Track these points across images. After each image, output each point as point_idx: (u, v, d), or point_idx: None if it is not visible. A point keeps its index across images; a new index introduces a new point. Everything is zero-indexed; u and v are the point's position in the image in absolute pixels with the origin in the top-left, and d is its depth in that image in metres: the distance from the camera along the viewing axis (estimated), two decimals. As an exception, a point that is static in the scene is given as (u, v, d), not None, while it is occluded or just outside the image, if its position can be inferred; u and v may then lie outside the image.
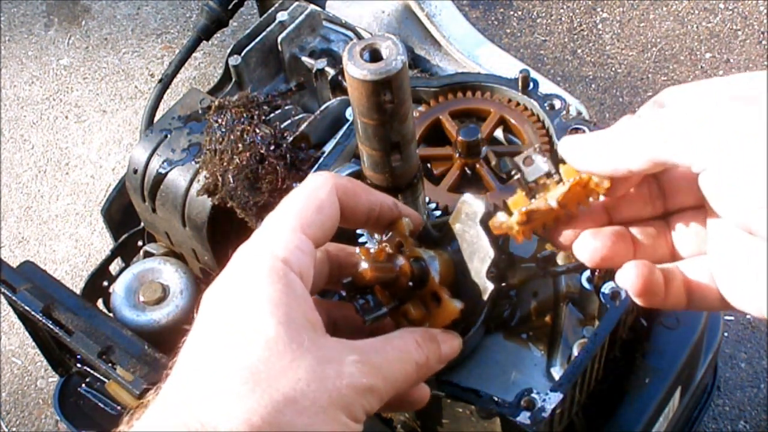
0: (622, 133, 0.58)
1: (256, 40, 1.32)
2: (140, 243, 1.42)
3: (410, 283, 0.68)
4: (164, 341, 1.20)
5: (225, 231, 1.22)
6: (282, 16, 1.32)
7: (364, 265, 0.65)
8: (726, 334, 2.13)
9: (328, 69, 1.29)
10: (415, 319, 0.68)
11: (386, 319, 0.70)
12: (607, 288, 0.93)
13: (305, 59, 1.32)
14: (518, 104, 1.10)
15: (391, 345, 0.63)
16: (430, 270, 0.68)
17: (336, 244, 0.70)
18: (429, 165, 1.08)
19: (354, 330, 0.71)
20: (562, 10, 2.83)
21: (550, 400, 0.83)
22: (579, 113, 1.19)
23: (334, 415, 0.56)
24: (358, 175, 1.01)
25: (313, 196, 0.65)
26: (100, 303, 1.41)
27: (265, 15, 1.35)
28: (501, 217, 0.64)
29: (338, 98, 1.24)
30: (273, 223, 0.64)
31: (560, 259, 0.91)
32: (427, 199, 0.98)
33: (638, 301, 0.61)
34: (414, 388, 0.70)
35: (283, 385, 0.55)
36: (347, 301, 0.68)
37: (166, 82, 1.37)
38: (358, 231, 1.03)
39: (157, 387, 0.60)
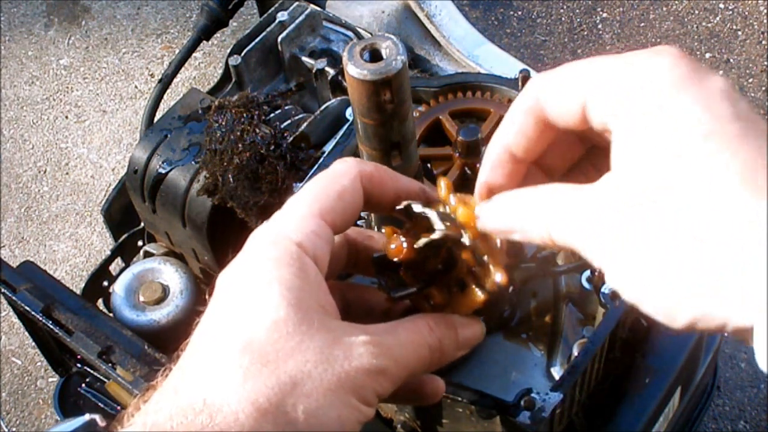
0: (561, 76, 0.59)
1: (256, 40, 1.32)
2: (140, 243, 1.42)
3: (439, 266, 0.67)
4: (164, 341, 1.20)
5: (225, 231, 1.22)
6: (282, 16, 1.32)
7: (401, 240, 0.65)
8: (726, 334, 2.13)
9: (328, 69, 1.29)
10: (437, 304, 0.67)
11: (398, 304, 0.70)
12: (607, 288, 0.93)
13: (305, 59, 1.32)
14: (518, 104, 1.10)
15: (403, 327, 0.62)
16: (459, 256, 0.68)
17: (355, 227, 0.69)
18: (429, 165, 1.08)
19: (367, 312, 0.72)
20: (562, 10, 2.83)
21: (550, 400, 0.83)
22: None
23: (343, 397, 0.56)
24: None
25: (335, 182, 0.65)
26: (100, 303, 1.41)
27: (265, 15, 1.35)
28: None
29: (338, 98, 1.24)
30: (292, 207, 0.64)
31: (560, 259, 0.91)
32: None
33: None
34: (428, 381, 0.70)
35: (290, 366, 0.55)
36: (375, 276, 0.67)
37: (166, 82, 1.37)
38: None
39: (167, 368, 0.60)
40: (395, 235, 0.66)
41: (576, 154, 0.65)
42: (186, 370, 0.58)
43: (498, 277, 0.64)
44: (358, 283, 0.74)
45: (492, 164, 0.64)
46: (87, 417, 0.60)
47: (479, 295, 0.66)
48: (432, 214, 0.65)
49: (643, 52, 0.54)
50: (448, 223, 0.64)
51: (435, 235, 0.64)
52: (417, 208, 0.66)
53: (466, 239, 0.64)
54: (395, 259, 0.65)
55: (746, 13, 2.75)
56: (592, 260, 0.55)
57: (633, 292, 0.52)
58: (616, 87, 0.54)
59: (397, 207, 0.67)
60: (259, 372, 0.55)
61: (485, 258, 0.65)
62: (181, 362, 0.59)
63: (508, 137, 0.63)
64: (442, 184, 0.69)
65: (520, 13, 2.84)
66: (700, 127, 0.50)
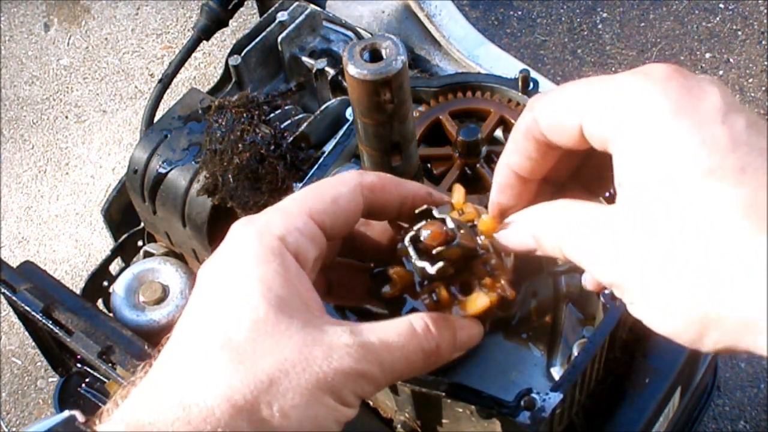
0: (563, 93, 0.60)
1: (256, 40, 1.31)
2: (140, 243, 1.42)
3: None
4: (164, 341, 1.20)
5: (225, 231, 1.21)
6: (282, 16, 1.32)
7: (450, 224, 0.65)
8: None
9: (328, 69, 1.29)
10: (442, 301, 0.67)
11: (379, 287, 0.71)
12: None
13: (305, 59, 1.32)
14: (518, 104, 1.10)
15: (396, 330, 0.61)
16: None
17: None
18: (429, 165, 1.08)
19: (349, 291, 0.73)
20: (562, 10, 2.83)
21: (550, 400, 0.83)
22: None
23: (320, 397, 0.56)
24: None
25: (332, 187, 0.65)
26: (100, 303, 1.41)
27: (265, 15, 1.35)
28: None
29: (338, 98, 1.24)
30: (282, 204, 0.65)
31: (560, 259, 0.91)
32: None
33: None
34: None
35: (268, 365, 0.55)
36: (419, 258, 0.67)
37: (166, 82, 1.37)
38: None
39: (147, 364, 0.60)
40: (434, 221, 0.66)
41: (577, 163, 0.67)
42: (164, 366, 0.58)
43: (507, 292, 0.65)
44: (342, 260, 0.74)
45: (500, 186, 0.66)
46: (66, 413, 0.60)
47: (483, 300, 0.66)
48: (450, 222, 0.65)
49: (635, 73, 0.55)
50: (462, 231, 0.65)
51: (452, 245, 0.65)
52: (437, 213, 0.67)
53: (480, 248, 0.66)
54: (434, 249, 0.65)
55: (746, 13, 2.75)
56: (599, 278, 0.56)
57: (642, 309, 0.54)
58: (611, 110, 0.55)
59: (417, 210, 0.67)
60: (236, 369, 0.55)
61: (495, 271, 0.66)
62: (160, 358, 0.59)
63: (512, 159, 0.64)
64: (456, 190, 0.69)
65: (520, 13, 2.84)
66: (699, 163, 0.50)
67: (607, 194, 0.67)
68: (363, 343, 0.59)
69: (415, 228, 0.67)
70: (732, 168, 0.49)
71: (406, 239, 0.66)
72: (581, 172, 0.67)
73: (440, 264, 0.64)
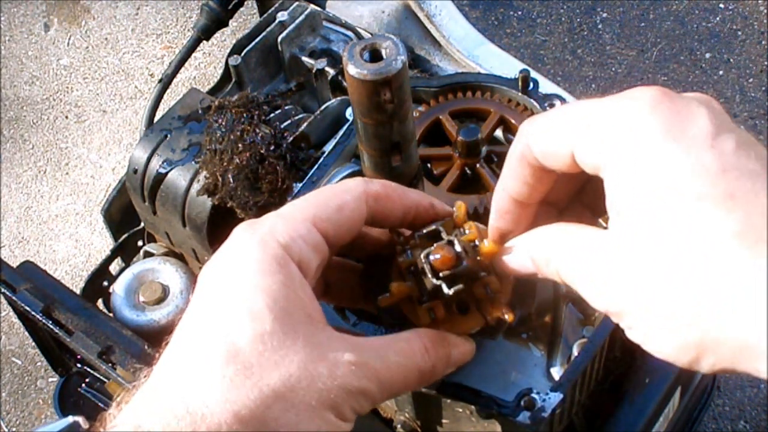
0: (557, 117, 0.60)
1: (256, 40, 1.31)
2: (140, 243, 1.42)
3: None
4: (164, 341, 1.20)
5: (225, 231, 1.21)
6: (282, 16, 1.32)
7: (458, 248, 0.65)
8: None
9: (328, 69, 1.29)
10: (438, 318, 0.67)
11: (358, 290, 0.70)
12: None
13: (305, 59, 1.32)
14: (518, 104, 1.10)
15: (395, 349, 0.62)
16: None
17: None
18: (429, 165, 1.08)
19: (347, 292, 0.73)
20: (562, 10, 2.83)
21: (550, 400, 0.83)
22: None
23: (322, 413, 0.57)
24: (357, 175, 1.01)
25: (337, 195, 0.65)
26: (100, 303, 1.41)
27: (265, 15, 1.35)
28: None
29: (338, 98, 1.24)
30: (286, 209, 0.64)
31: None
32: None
33: None
34: None
35: (273, 379, 0.56)
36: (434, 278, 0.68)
37: (166, 82, 1.37)
38: None
39: (149, 371, 0.60)
40: (444, 245, 0.66)
41: (578, 185, 0.67)
42: (168, 374, 0.58)
43: (505, 315, 0.66)
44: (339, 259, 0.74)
45: (499, 212, 0.67)
46: (70, 419, 0.60)
47: (480, 321, 0.67)
48: (458, 246, 0.66)
49: (623, 97, 0.55)
50: (469, 254, 0.66)
51: (459, 269, 0.65)
52: (445, 235, 0.67)
53: (482, 270, 0.66)
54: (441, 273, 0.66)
55: (746, 13, 2.75)
56: (595, 305, 0.57)
57: (640, 334, 0.55)
58: (601, 138, 0.55)
59: (426, 229, 0.68)
60: (243, 383, 0.55)
61: (495, 294, 0.66)
62: (163, 364, 0.59)
63: (509, 185, 0.65)
64: (459, 208, 0.69)
65: (520, 13, 2.84)
66: (690, 189, 0.50)
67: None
68: (365, 362, 0.59)
69: (424, 249, 0.67)
70: (723, 194, 0.49)
71: (422, 257, 0.66)
72: (584, 194, 0.67)
73: (459, 286, 0.65)
